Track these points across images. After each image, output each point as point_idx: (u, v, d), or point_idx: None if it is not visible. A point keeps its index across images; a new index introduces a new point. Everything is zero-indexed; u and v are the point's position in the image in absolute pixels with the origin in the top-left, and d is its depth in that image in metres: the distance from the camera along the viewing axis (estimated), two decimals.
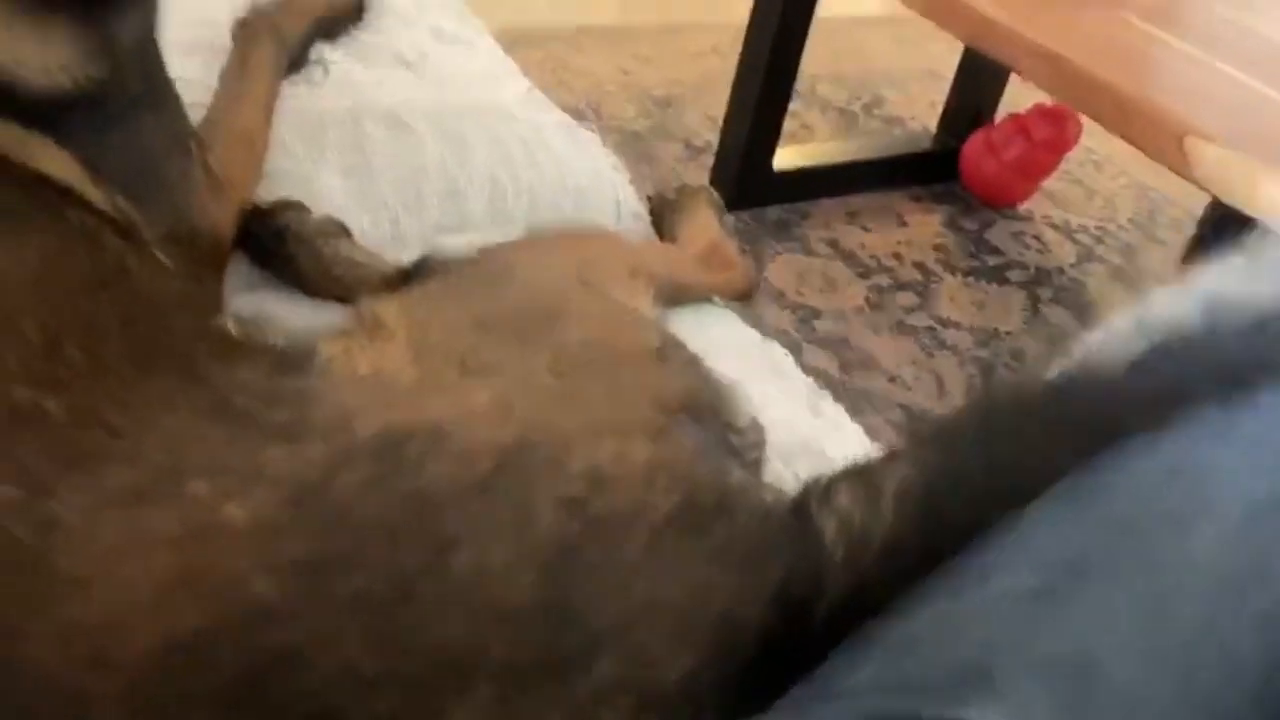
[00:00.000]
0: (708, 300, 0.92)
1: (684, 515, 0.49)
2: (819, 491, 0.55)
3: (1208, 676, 0.44)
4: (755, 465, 0.59)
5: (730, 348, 0.86)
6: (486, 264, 0.67)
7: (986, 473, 0.54)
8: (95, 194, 0.61)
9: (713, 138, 2.15)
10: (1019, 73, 1.37)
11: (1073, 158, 2.20)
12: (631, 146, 2.10)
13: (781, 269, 1.85)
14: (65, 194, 0.58)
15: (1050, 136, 2.03)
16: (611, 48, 2.42)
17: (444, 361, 0.52)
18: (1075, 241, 2.09)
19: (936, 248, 1.99)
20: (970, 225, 2.07)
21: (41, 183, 0.57)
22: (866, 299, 1.83)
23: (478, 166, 0.97)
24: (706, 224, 0.98)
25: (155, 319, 0.53)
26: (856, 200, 2.07)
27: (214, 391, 0.48)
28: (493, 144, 0.99)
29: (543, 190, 0.99)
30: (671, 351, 0.59)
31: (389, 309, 0.58)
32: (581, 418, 0.51)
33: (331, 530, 0.44)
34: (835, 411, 0.84)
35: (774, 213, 1.99)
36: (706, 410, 0.57)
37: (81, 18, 0.62)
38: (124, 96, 0.65)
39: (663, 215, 1.07)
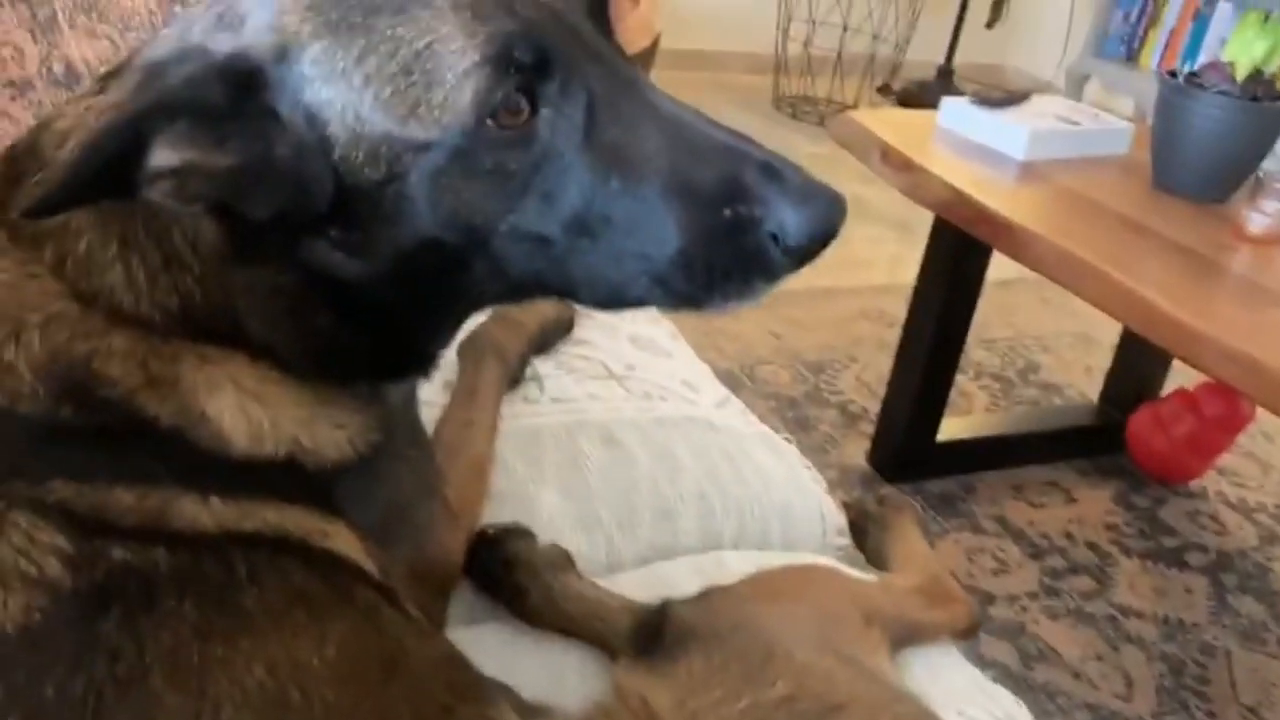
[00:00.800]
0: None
1: None
2: None
3: None
4: None
5: (957, 693, 0.83)
6: (732, 626, 0.66)
7: None
8: (371, 565, 0.63)
9: (868, 404, 2.16)
10: (1205, 372, 1.35)
11: (1246, 430, 2.13)
12: (786, 413, 2.12)
13: (951, 549, 1.81)
14: (349, 569, 0.60)
15: (1223, 414, 1.98)
16: (762, 312, 2.48)
17: None
18: (1254, 522, 2.00)
19: (1109, 527, 1.92)
20: (1142, 502, 2.00)
21: (329, 561, 0.59)
22: (1041, 583, 1.76)
23: (687, 483, 0.98)
24: (919, 550, 0.96)
25: (443, 715, 0.53)
26: (1021, 473, 2.03)
27: None
28: (699, 458, 1.00)
29: (750, 508, 0.99)
30: None
31: (658, 696, 0.57)
32: None
33: None
34: None
35: (936, 486, 1.96)
36: None
37: (372, 390, 0.66)
38: (391, 452, 0.68)
39: (864, 530, 1.05)
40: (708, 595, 0.74)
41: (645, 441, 1.00)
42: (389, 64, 0.55)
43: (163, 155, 0.53)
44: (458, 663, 0.61)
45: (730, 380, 2.20)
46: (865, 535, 1.05)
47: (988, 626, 1.64)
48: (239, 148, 0.55)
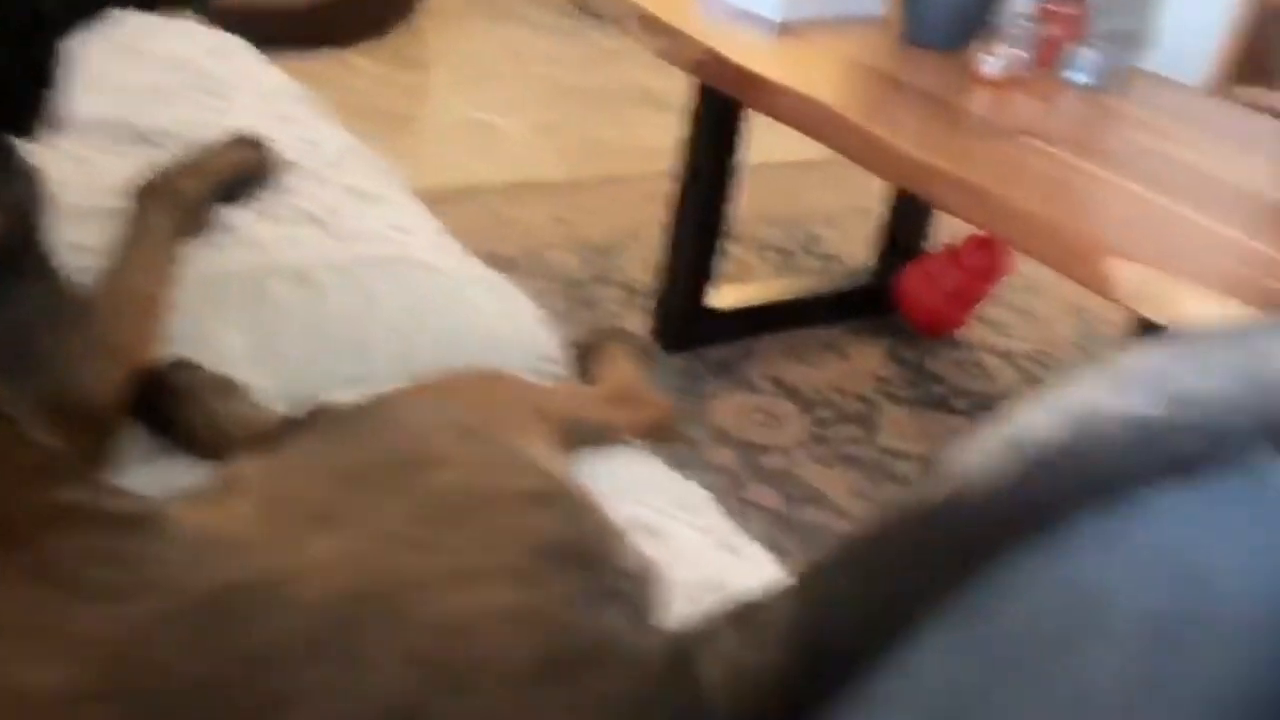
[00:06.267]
0: (626, 442, 0.90)
1: (547, 665, 0.46)
2: (701, 635, 0.53)
3: None
4: (644, 610, 0.56)
5: (645, 488, 0.84)
6: (369, 413, 0.65)
7: (869, 602, 0.51)
8: None
9: (652, 281, 2.18)
10: (942, 208, 1.40)
11: (1008, 283, 2.23)
12: (572, 293, 2.12)
13: (724, 407, 1.84)
14: None
15: (983, 264, 2.07)
16: (550, 200, 2.47)
17: (292, 516, 0.49)
18: (1016, 367, 2.10)
19: (878, 379, 2.00)
20: (911, 356, 2.08)
21: None
22: (810, 433, 1.82)
23: (383, 317, 0.96)
24: (622, 366, 0.96)
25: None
26: (797, 337, 2.08)
27: (39, 556, 0.45)
28: (400, 293, 0.98)
29: (455, 339, 0.97)
30: (552, 495, 0.57)
31: (254, 465, 0.55)
32: (436, 565, 0.48)
33: (148, 694, 0.40)
34: (753, 550, 0.81)
35: (716, 353, 1.99)
36: (588, 555, 0.54)
37: None
38: (6, 263, 0.64)
39: (585, 360, 1.06)
40: (366, 397, 0.72)
41: (343, 281, 0.97)
42: None
43: None
44: (51, 465, 0.58)
45: (512, 266, 2.19)
46: (586, 366, 1.05)
47: (756, 474, 1.69)
48: None
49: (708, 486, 1.67)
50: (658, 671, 0.50)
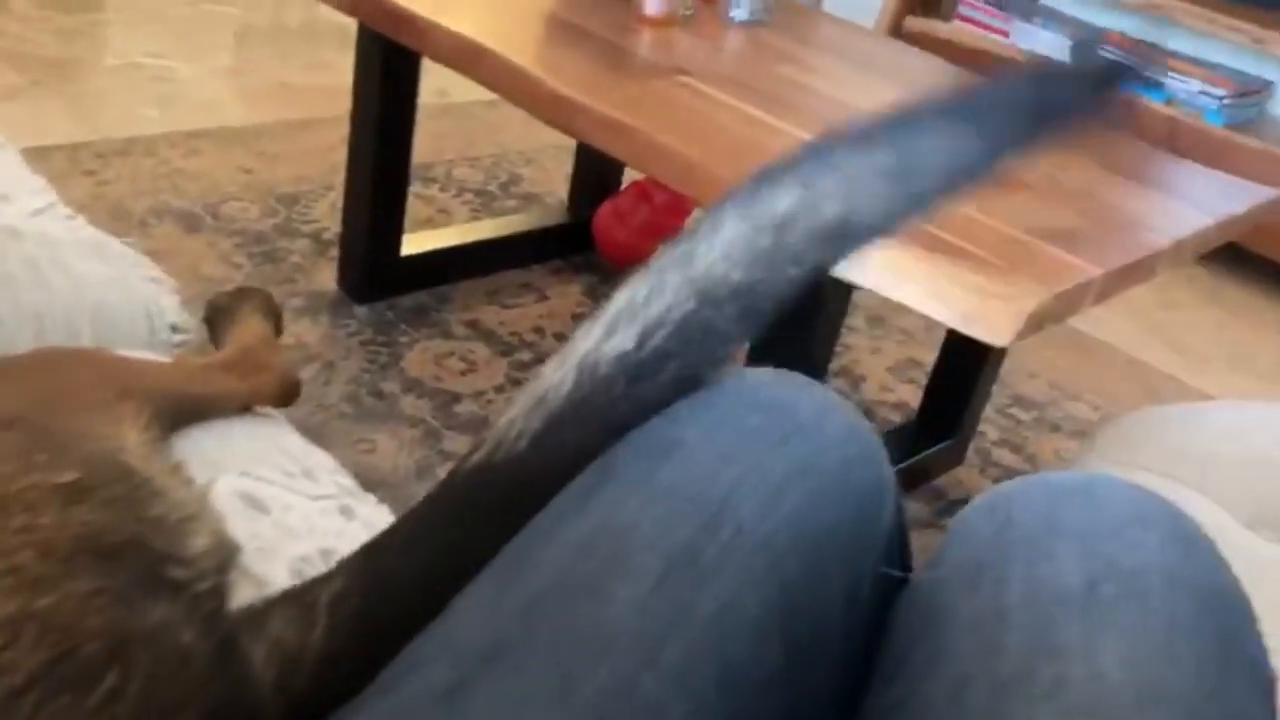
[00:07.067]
0: (249, 410, 0.87)
1: (59, 672, 0.44)
2: (249, 619, 0.51)
3: None
4: (210, 596, 0.54)
5: (259, 459, 0.81)
6: None
7: (420, 569, 0.51)
8: None
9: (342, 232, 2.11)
10: (594, 145, 1.40)
11: None
12: (255, 246, 2.02)
13: (419, 358, 1.82)
14: None
15: (669, 200, 2.11)
16: (232, 148, 2.33)
17: None
18: None
19: (577, 317, 2.02)
20: (609, 292, 2.11)
21: None
22: (508, 376, 1.82)
23: None
24: (247, 329, 0.92)
25: None
26: (496, 279, 2.07)
27: None
28: None
29: (52, 313, 0.90)
30: (92, 487, 0.53)
31: None
32: None
33: None
34: (374, 514, 0.80)
35: (410, 300, 1.95)
36: (130, 547, 0.51)
37: None
38: None
39: (216, 323, 1.01)
40: None
41: None
42: None
43: None
44: None
45: (190, 220, 2.06)
46: (216, 328, 1.00)
47: (451, 423, 1.68)
48: None
49: (402, 440, 1.65)
50: (201, 663, 0.48)
